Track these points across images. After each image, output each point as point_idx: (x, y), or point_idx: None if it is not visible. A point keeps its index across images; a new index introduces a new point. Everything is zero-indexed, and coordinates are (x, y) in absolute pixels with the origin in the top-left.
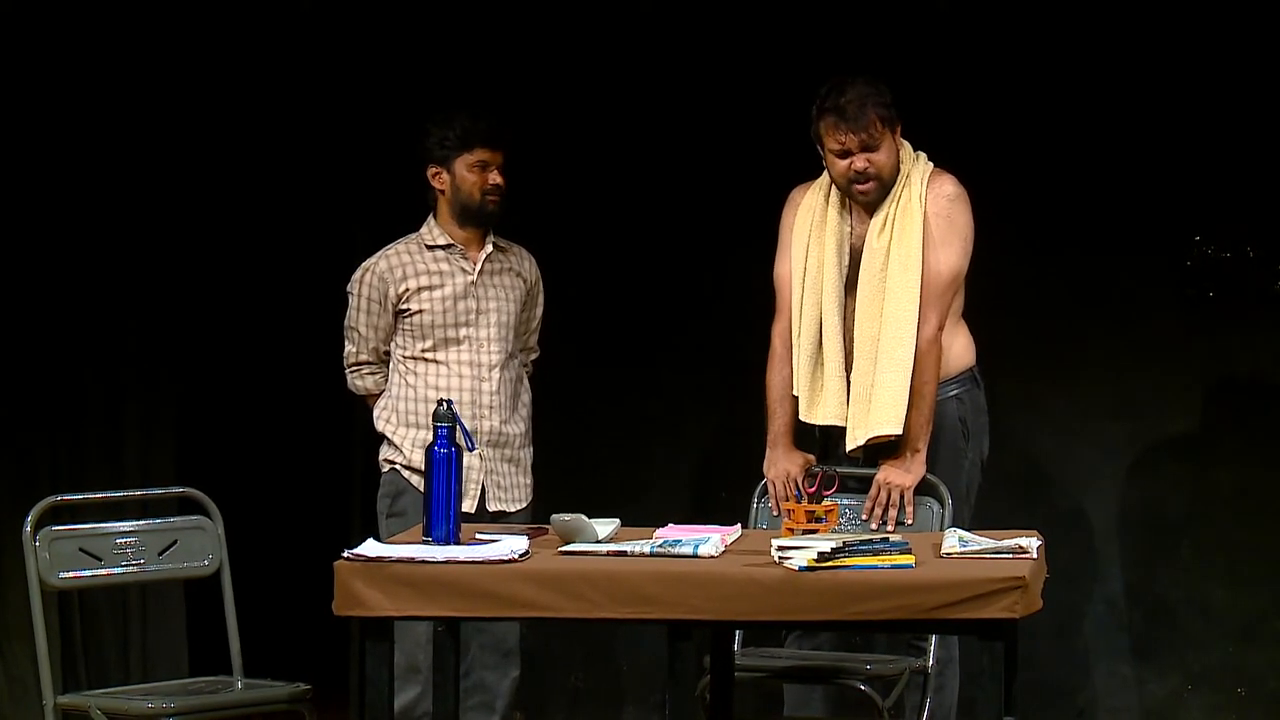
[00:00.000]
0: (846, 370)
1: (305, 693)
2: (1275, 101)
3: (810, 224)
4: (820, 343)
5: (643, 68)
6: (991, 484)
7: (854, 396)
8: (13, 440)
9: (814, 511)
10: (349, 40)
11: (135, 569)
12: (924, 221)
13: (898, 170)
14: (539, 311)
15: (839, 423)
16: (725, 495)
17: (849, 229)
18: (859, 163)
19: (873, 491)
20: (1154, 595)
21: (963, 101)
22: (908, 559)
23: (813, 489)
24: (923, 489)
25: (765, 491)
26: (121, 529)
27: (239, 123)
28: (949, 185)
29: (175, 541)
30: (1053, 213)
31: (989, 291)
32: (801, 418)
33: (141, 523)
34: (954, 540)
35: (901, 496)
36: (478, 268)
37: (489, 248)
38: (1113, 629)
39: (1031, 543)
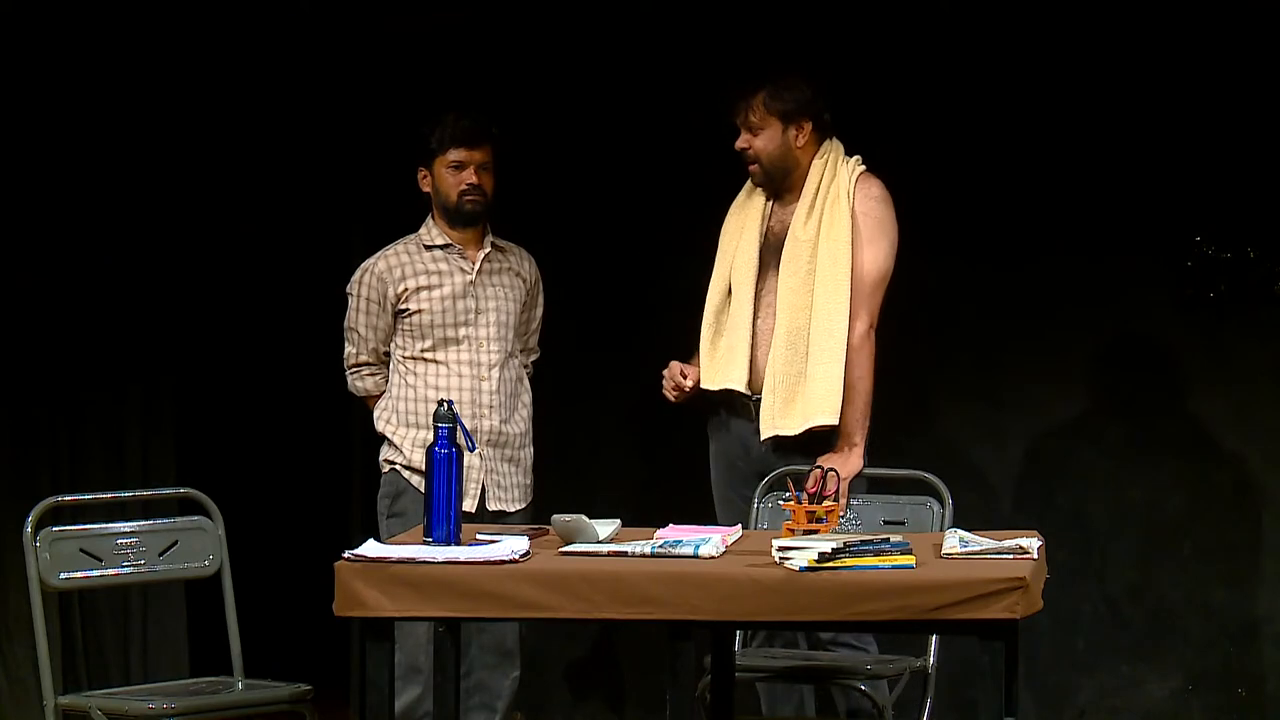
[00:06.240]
0: (752, 346)
1: (306, 693)
2: (1276, 102)
3: (736, 205)
4: (725, 309)
5: (644, 68)
6: (992, 484)
7: (775, 386)
8: (13, 441)
9: (814, 512)
10: (348, 41)
11: (136, 569)
12: (852, 218)
13: (787, 162)
14: (539, 312)
15: (738, 387)
16: None
17: (768, 209)
18: (740, 141)
19: (817, 474)
20: (1154, 595)
21: (964, 101)
22: (908, 559)
23: (814, 489)
24: (923, 488)
25: (767, 492)
26: (122, 529)
27: (238, 123)
28: (876, 188)
29: (176, 542)
30: (1053, 213)
31: (990, 292)
32: (701, 384)
33: (142, 523)
34: (954, 541)
35: (838, 487)
36: (476, 267)
37: (487, 247)
38: (1113, 629)
39: (1032, 543)
